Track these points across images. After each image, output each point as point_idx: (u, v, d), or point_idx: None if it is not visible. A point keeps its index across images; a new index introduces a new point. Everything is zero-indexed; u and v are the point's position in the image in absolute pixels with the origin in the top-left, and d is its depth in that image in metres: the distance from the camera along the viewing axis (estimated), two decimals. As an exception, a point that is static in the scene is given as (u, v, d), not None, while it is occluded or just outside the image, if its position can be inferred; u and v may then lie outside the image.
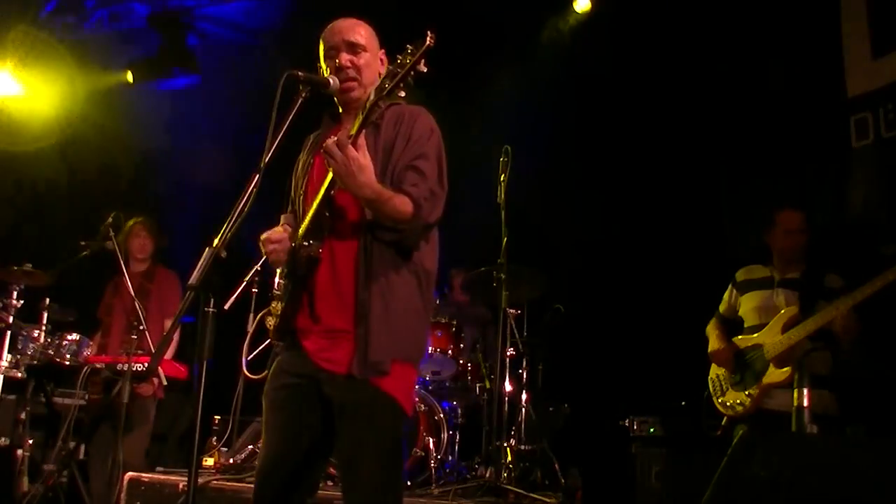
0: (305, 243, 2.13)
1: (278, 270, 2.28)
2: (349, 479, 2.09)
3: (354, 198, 2.10)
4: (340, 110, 2.37)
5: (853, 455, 1.55)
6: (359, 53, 2.27)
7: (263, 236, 2.22)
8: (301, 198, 2.35)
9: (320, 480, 2.26)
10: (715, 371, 3.60)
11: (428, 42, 1.90)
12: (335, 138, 1.98)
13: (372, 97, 2.01)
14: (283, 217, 2.49)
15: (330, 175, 2.07)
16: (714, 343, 3.59)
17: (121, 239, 4.69)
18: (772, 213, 3.60)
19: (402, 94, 2.00)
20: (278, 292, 2.26)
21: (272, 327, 2.25)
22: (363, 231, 2.14)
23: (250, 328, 2.31)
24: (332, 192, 2.11)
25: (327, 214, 2.15)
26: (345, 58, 2.25)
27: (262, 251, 2.22)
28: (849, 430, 3.58)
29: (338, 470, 2.19)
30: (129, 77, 6.64)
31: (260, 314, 2.32)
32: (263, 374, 2.27)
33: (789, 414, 2.03)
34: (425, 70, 1.93)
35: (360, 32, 2.30)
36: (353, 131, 2.02)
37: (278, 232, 2.23)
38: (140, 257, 4.85)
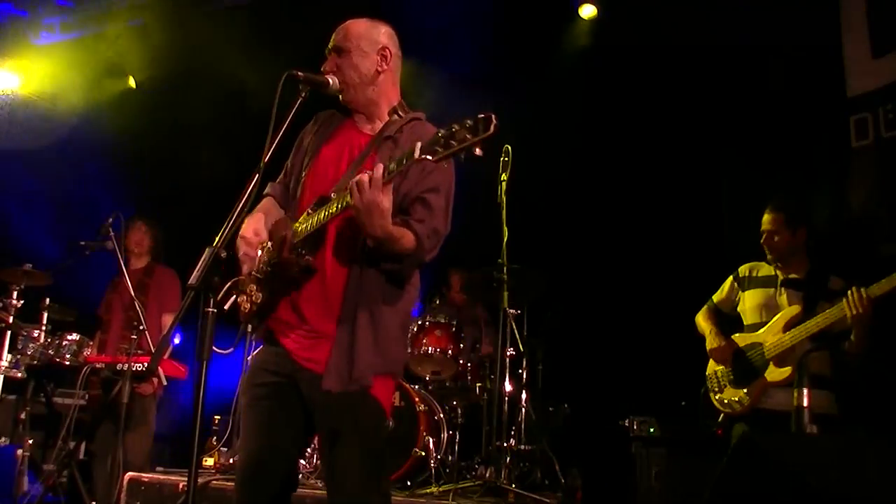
0: (301, 251, 2.12)
1: (259, 252, 2.24)
2: (334, 480, 2.10)
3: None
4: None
5: (853, 455, 1.55)
6: (342, 55, 2.27)
7: (242, 233, 2.21)
8: (300, 180, 2.33)
9: (298, 475, 2.27)
10: (713, 367, 3.59)
11: (491, 130, 1.76)
12: (369, 174, 1.94)
13: (417, 153, 1.87)
14: (269, 185, 2.45)
15: (344, 198, 2.03)
16: (713, 340, 3.57)
17: (121, 235, 4.72)
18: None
19: (447, 164, 1.94)
20: (259, 275, 2.21)
21: (246, 312, 2.23)
22: (359, 253, 2.13)
23: (220, 295, 2.20)
24: (343, 212, 2.07)
25: (329, 229, 2.15)
26: (328, 63, 2.28)
27: (238, 246, 2.21)
28: (849, 430, 3.58)
29: (324, 471, 2.20)
30: (132, 82, 6.65)
31: (228, 283, 2.26)
32: (230, 350, 2.25)
33: (787, 413, 2.03)
34: (480, 154, 1.81)
35: (345, 33, 2.29)
36: (391, 169, 1.94)
37: (254, 233, 2.22)
38: (137, 252, 4.87)
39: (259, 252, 2.24)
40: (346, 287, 2.12)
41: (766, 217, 3.53)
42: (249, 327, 2.28)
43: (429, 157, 1.85)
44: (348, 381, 2.06)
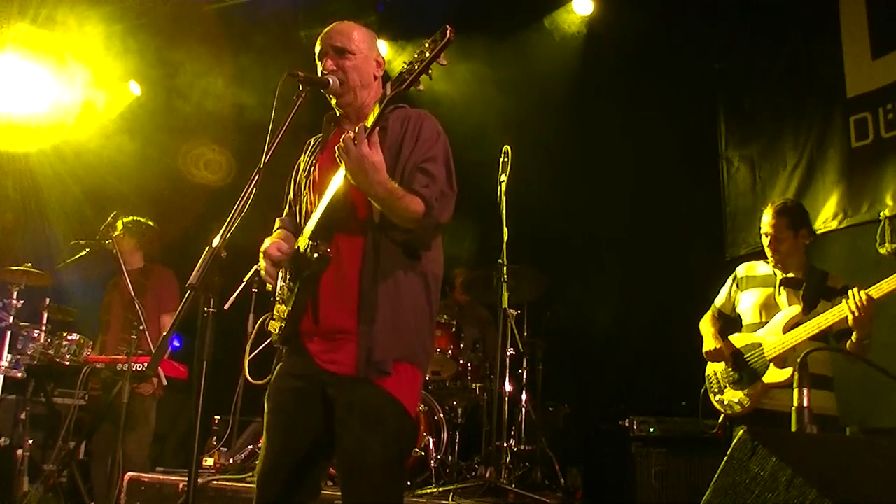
0: (314, 243, 2.12)
1: (279, 274, 2.27)
2: (350, 482, 2.08)
3: (363, 197, 2.10)
4: (339, 112, 2.37)
5: (853, 455, 1.55)
6: (345, 56, 2.27)
7: (264, 249, 2.22)
8: (303, 199, 2.35)
9: (321, 483, 2.26)
10: (713, 368, 3.59)
11: (448, 36, 1.89)
12: (351, 133, 1.97)
13: (389, 90, 1.99)
14: (278, 220, 2.48)
15: (340, 174, 2.06)
16: (710, 342, 3.57)
17: (117, 238, 4.72)
18: (762, 215, 3.59)
19: (421, 87, 1.98)
20: (281, 296, 2.25)
21: (277, 332, 2.24)
22: (370, 231, 2.14)
23: (251, 332, 2.30)
24: (341, 193, 2.10)
25: (336, 214, 2.14)
26: (328, 63, 2.27)
27: (260, 262, 2.22)
28: (849, 430, 3.58)
29: (338, 472, 2.18)
30: (135, 88, 6.65)
31: (262, 319, 2.31)
32: (266, 379, 2.26)
33: (787, 414, 2.02)
34: (445, 63, 1.92)
35: (350, 36, 2.30)
36: (371, 121, 2.01)
37: (277, 249, 2.21)
38: (129, 257, 4.84)
39: (279, 279, 2.26)
40: (361, 271, 2.11)
41: (768, 221, 3.51)
42: (281, 348, 2.29)
43: (401, 87, 1.95)
44: (367, 366, 2.04)
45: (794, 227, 3.48)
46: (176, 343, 4.96)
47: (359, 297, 2.10)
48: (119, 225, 4.78)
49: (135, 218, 4.93)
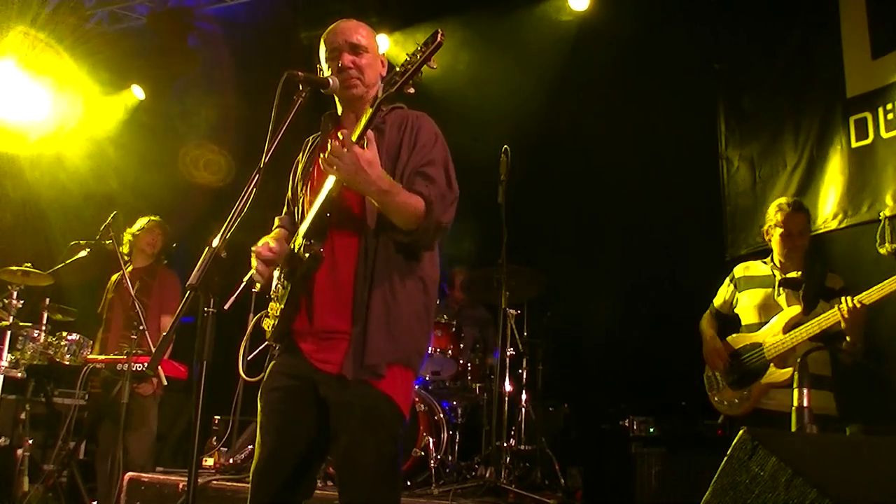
0: (307, 242, 2.12)
1: (276, 273, 2.27)
2: (345, 481, 2.08)
3: (358, 198, 2.11)
4: (340, 111, 2.37)
5: (853, 455, 1.55)
6: (361, 54, 2.27)
7: (255, 249, 2.23)
8: (301, 200, 2.34)
9: (316, 482, 2.26)
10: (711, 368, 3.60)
11: (438, 40, 1.93)
12: (337, 140, 1.97)
13: (381, 93, 2.02)
14: (277, 219, 2.47)
15: (332, 176, 2.07)
16: (709, 344, 3.58)
17: (134, 231, 4.80)
18: (774, 212, 3.57)
19: (412, 90, 2.01)
20: (276, 294, 2.25)
21: (270, 329, 2.24)
22: (365, 232, 2.14)
23: (248, 328, 2.30)
24: (335, 192, 2.10)
25: (329, 215, 2.14)
26: (347, 58, 2.26)
27: (252, 261, 2.22)
28: (849, 430, 3.59)
29: (335, 471, 2.18)
30: (139, 93, 6.66)
31: (256, 316, 2.31)
32: (260, 376, 2.26)
33: (787, 414, 2.02)
34: (435, 67, 1.96)
35: (362, 34, 2.30)
36: (359, 129, 2.03)
37: (268, 249, 2.22)
38: (149, 252, 4.90)
39: (274, 278, 2.27)
40: (356, 273, 2.12)
41: (794, 218, 3.48)
42: (274, 346, 2.28)
43: (391, 89, 2.00)
44: (360, 369, 2.04)
45: (810, 224, 3.55)
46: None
47: (353, 299, 2.10)
48: (144, 221, 4.85)
49: (157, 218, 5.00)
